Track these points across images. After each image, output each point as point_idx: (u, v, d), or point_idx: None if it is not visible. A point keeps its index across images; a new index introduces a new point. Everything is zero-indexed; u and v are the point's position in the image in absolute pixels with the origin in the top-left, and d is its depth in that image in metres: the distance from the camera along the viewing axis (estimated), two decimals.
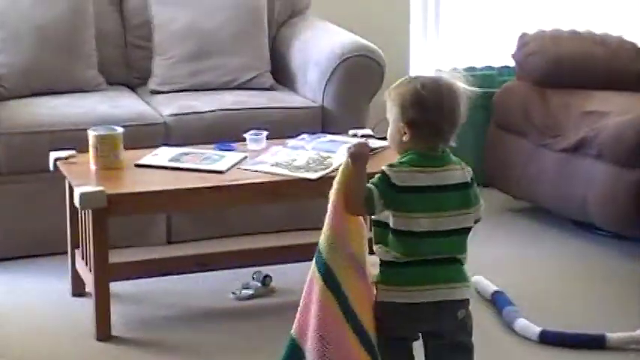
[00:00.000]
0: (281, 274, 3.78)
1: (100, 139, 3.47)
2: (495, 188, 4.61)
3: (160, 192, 3.32)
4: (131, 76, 4.57)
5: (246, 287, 3.73)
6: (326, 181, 3.38)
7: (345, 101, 4.32)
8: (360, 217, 2.57)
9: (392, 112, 2.57)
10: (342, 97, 4.32)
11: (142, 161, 3.53)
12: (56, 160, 3.55)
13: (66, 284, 3.69)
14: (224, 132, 4.01)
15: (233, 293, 3.70)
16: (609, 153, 4.04)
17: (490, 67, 5.26)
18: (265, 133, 3.76)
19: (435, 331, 2.58)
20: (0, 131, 3.89)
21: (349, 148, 2.53)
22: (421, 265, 2.53)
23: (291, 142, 3.75)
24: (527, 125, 4.41)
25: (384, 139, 3.75)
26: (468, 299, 2.59)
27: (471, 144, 4.83)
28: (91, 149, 3.48)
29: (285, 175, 3.45)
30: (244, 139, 3.74)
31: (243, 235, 4.15)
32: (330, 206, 2.53)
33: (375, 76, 4.34)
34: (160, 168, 3.50)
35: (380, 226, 2.56)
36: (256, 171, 3.49)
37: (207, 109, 4.19)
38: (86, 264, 3.45)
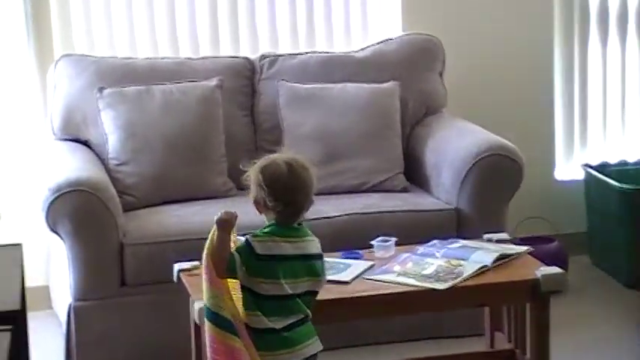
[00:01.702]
0: None
1: None
2: None
3: None
4: None
5: None
6: (455, 291, 3.24)
7: (481, 203, 4.14)
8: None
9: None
10: (477, 199, 4.14)
11: None
12: (180, 271, 3.48)
13: None
14: (353, 237, 3.87)
15: None
16: None
17: None
18: (394, 239, 3.60)
19: None
20: (127, 242, 3.87)
21: (218, 214, 2.85)
22: (292, 327, 2.84)
23: (420, 248, 3.57)
24: None
25: (524, 243, 3.57)
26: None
27: (622, 242, 4.58)
28: None
29: (412, 286, 3.28)
30: (372, 246, 3.60)
31: (375, 345, 3.99)
32: (204, 267, 2.84)
33: (513, 175, 4.15)
34: None
35: (252, 294, 2.83)
36: (382, 281, 3.33)
37: (335, 214, 4.08)
38: None
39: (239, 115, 4.51)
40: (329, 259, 3.49)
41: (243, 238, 2.95)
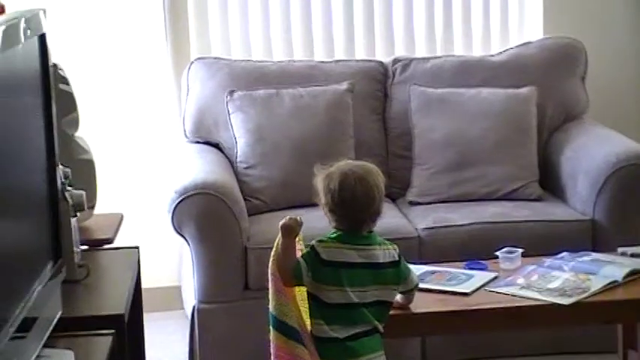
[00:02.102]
0: None
1: None
2: None
3: (394, 316, 3.11)
4: (391, 186, 4.43)
5: None
6: (581, 307, 3.10)
7: (619, 215, 3.96)
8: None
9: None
10: (615, 211, 3.96)
11: None
12: None
13: None
14: (481, 247, 3.74)
15: None
16: None
17: None
18: (520, 250, 3.47)
19: None
20: (251, 246, 3.86)
21: (282, 220, 2.84)
22: (357, 337, 2.78)
23: (547, 261, 3.43)
24: None
25: None
26: None
27: None
28: None
29: (534, 300, 3.15)
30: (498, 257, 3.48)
31: (500, 358, 3.87)
32: (270, 274, 2.84)
33: None
34: None
35: (317, 301, 2.81)
36: (504, 294, 3.21)
37: (463, 223, 3.97)
38: None
39: (370, 120, 4.45)
40: (451, 270, 3.40)
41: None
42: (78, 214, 2.70)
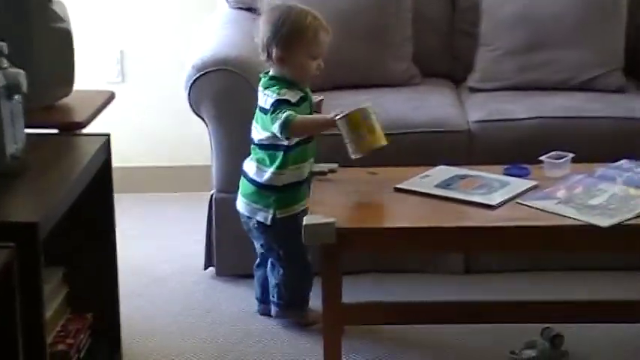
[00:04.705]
0: (576, 334, 3.01)
1: None
2: None
3: (402, 230, 2.67)
4: (455, 67, 3.92)
5: (530, 347, 3.00)
6: (621, 230, 2.60)
7: None
8: None
9: None
10: None
11: (404, 185, 2.89)
12: (314, 173, 3.05)
13: None
14: (539, 147, 3.17)
15: (512, 353, 2.99)
16: None
17: None
18: (570, 155, 2.96)
19: None
20: None
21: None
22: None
23: (600, 169, 2.91)
24: None
25: None
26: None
27: None
28: None
29: (568, 219, 2.65)
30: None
31: (545, 272, 3.41)
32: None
33: None
34: (421, 195, 2.85)
35: None
36: (535, 209, 2.72)
37: (522, 116, 3.45)
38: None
39: None
40: (486, 175, 2.93)
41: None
42: (16, 96, 2.33)
